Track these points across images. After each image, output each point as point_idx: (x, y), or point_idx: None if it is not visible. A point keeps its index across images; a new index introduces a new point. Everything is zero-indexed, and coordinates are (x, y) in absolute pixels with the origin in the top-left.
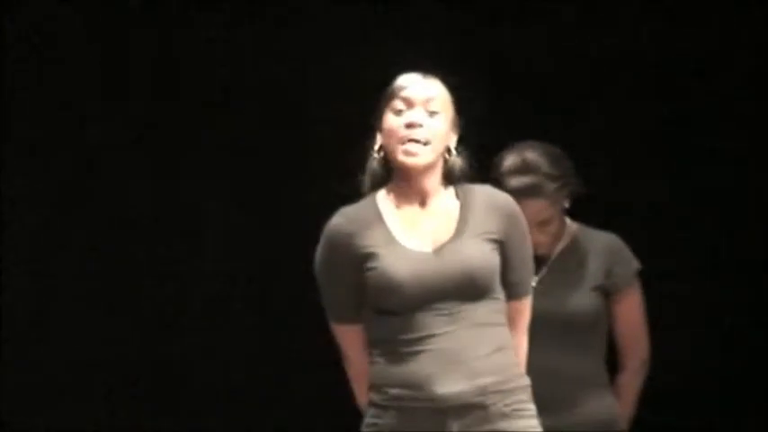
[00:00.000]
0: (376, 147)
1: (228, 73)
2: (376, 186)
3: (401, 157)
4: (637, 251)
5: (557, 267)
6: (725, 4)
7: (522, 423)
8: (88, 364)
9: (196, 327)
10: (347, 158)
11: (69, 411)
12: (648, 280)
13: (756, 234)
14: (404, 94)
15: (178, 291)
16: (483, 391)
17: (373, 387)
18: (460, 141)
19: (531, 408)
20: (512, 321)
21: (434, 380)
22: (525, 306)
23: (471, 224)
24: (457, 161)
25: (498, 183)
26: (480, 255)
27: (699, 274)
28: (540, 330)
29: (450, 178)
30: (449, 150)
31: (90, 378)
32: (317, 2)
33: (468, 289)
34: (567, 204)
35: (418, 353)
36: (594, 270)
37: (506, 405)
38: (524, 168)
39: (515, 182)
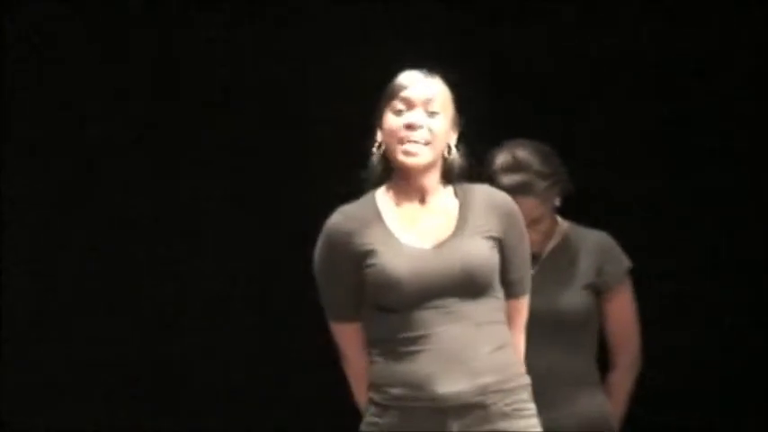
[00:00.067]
0: (376, 144)
1: (228, 73)
2: (375, 184)
3: (401, 158)
4: (637, 251)
5: (548, 265)
6: (725, 4)
7: (522, 423)
8: (88, 364)
9: (196, 327)
10: (347, 158)
11: (69, 411)
12: (648, 280)
13: (756, 234)
14: (404, 94)
15: (178, 291)
16: (483, 390)
17: (373, 386)
18: (460, 139)
19: (532, 407)
20: (510, 320)
21: (435, 379)
22: (523, 305)
23: (471, 222)
24: (456, 159)
25: (489, 181)
26: (480, 252)
27: (699, 274)
28: (530, 329)
29: (449, 176)
30: (449, 148)
31: (90, 378)
32: (317, 2)
33: (467, 286)
34: (558, 202)
35: (418, 352)
36: (586, 268)
37: (507, 405)
38: (515, 166)
39: (506, 180)
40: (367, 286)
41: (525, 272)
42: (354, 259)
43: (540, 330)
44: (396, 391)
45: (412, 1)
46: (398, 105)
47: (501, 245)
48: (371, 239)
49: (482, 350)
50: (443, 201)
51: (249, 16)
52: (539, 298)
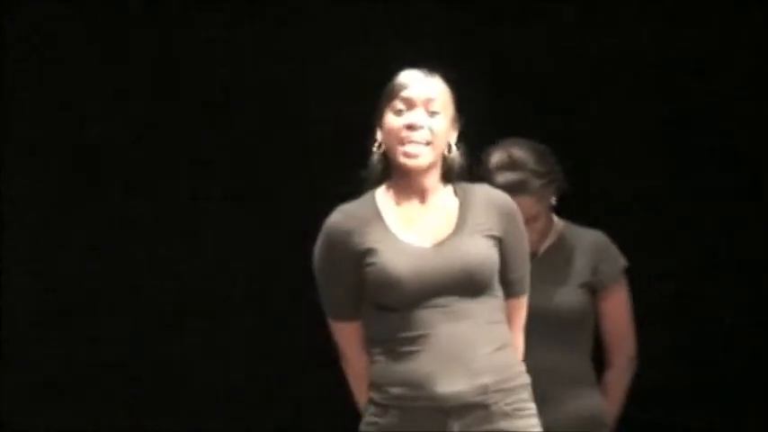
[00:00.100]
0: (376, 143)
1: (228, 73)
2: (375, 183)
3: (402, 159)
4: (636, 250)
5: (543, 264)
6: (725, 4)
7: (522, 422)
8: (88, 364)
9: (196, 327)
10: (347, 158)
11: (69, 411)
12: (648, 280)
13: (756, 234)
14: (404, 94)
15: (178, 291)
16: (484, 390)
17: (373, 386)
18: (460, 138)
19: (532, 406)
20: (510, 319)
21: (435, 379)
22: (523, 304)
23: (471, 221)
24: (456, 158)
25: (485, 179)
26: (480, 251)
27: (699, 274)
28: (526, 327)
29: (449, 176)
30: (449, 147)
31: (90, 378)
32: (317, 2)
33: (467, 284)
34: (553, 201)
35: (418, 351)
36: (581, 267)
37: (507, 404)
38: (511, 165)
39: (502, 178)
40: (367, 285)
41: (525, 271)
42: (354, 258)
43: (536, 329)
44: (396, 390)
45: (412, 1)
46: (399, 105)
47: (501, 244)
48: (371, 238)
49: (482, 350)
50: (443, 200)
51: (249, 16)
52: (534, 296)
